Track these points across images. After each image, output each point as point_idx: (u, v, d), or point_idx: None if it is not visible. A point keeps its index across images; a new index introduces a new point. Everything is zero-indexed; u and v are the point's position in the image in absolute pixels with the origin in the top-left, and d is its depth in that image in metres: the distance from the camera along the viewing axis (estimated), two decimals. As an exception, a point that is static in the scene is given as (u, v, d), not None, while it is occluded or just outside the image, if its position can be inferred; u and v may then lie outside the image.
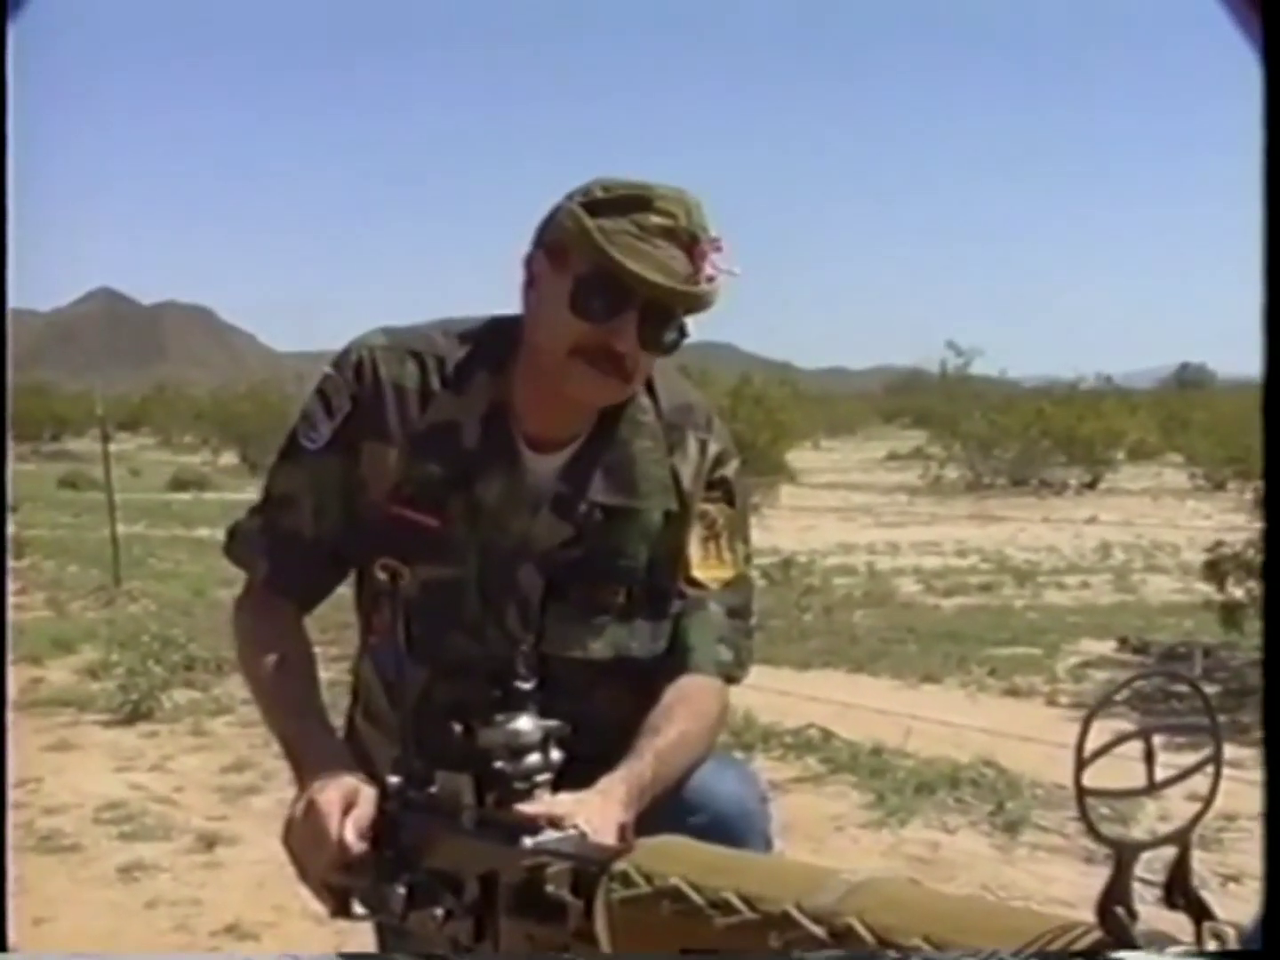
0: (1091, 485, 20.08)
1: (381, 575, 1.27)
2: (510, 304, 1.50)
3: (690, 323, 1.43)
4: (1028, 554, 11.19)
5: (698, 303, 1.40)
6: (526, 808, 1.15)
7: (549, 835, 1.09)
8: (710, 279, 1.39)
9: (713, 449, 1.55)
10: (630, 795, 1.29)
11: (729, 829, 1.36)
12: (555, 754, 1.22)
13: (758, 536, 1.64)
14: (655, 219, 1.36)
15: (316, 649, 1.54)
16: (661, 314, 1.39)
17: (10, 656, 4.98)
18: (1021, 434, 20.40)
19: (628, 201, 1.38)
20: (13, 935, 1.22)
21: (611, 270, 1.35)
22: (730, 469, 1.57)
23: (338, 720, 1.54)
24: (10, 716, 3.58)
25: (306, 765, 1.35)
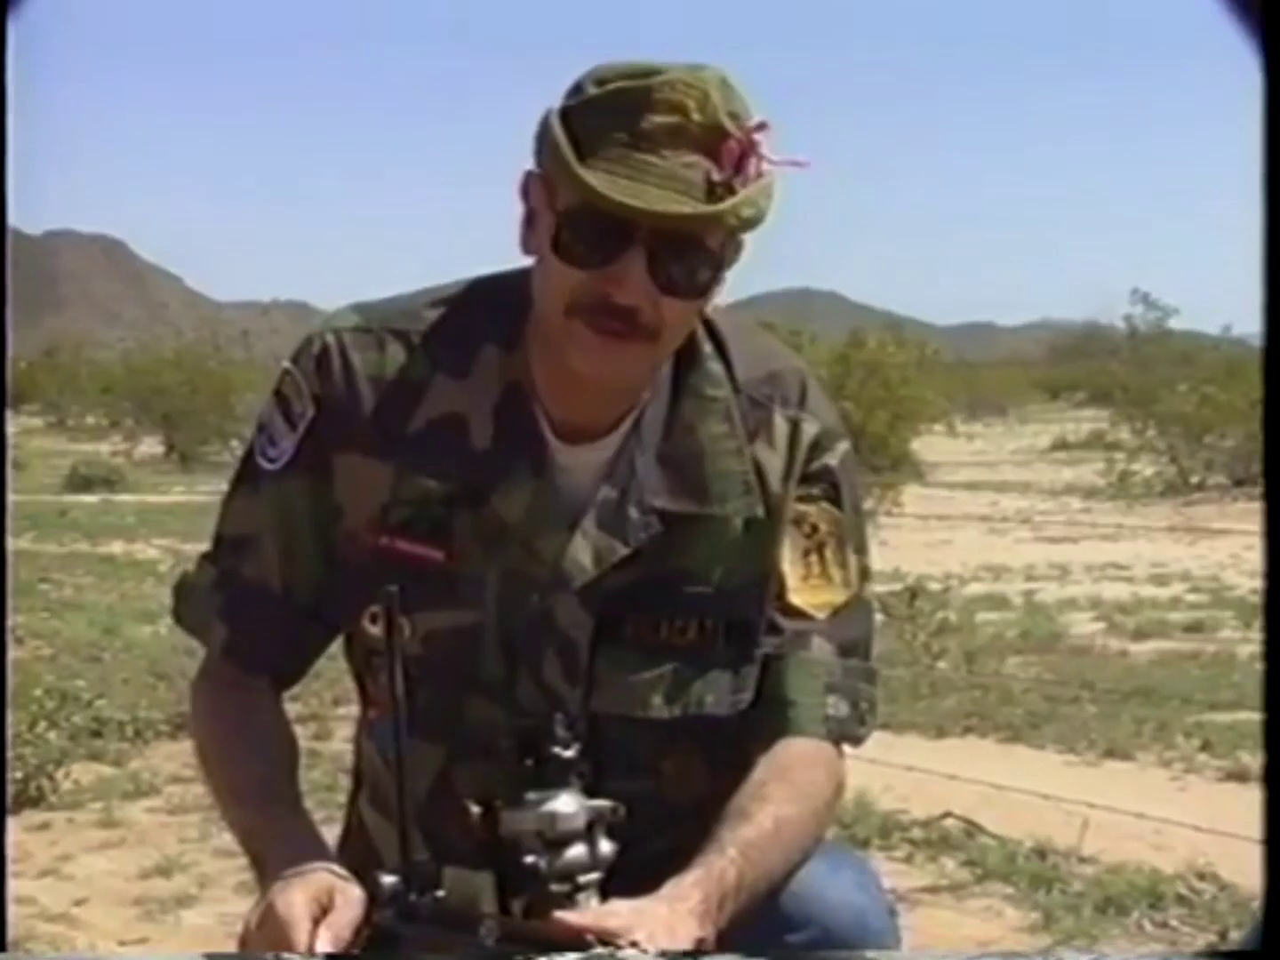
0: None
1: (373, 629, 1.28)
2: (507, 255, 1.51)
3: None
4: (1256, 581, 11.05)
5: (726, 222, 1.39)
6: (568, 918, 1.16)
7: (599, 955, 1.10)
8: (750, 179, 1.38)
9: (808, 430, 1.56)
10: (709, 903, 1.30)
11: (845, 949, 1.37)
12: (605, 845, 1.23)
13: (872, 555, 1.64)
14: (657, 118, 1.36)
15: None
16: (679, 247, 1.39)
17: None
18: (1247, 414, 20.13)
19: (621, 99, 1.38)
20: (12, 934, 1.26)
21: (595, 201, 1.35)
22: (835, 455, 1.58)
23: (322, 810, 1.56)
24: None
25: (271, 862, 1.37)
